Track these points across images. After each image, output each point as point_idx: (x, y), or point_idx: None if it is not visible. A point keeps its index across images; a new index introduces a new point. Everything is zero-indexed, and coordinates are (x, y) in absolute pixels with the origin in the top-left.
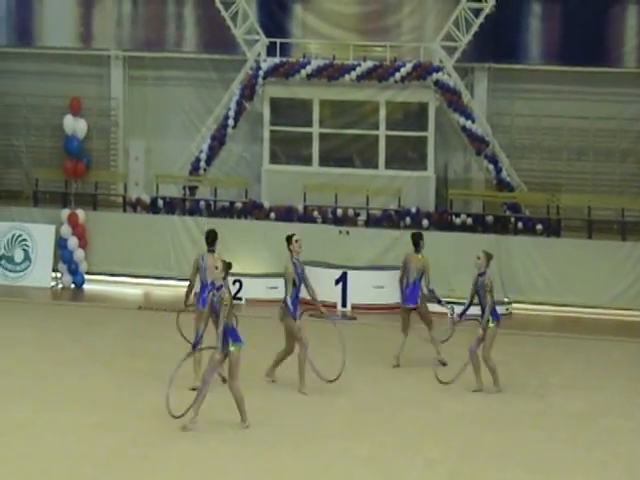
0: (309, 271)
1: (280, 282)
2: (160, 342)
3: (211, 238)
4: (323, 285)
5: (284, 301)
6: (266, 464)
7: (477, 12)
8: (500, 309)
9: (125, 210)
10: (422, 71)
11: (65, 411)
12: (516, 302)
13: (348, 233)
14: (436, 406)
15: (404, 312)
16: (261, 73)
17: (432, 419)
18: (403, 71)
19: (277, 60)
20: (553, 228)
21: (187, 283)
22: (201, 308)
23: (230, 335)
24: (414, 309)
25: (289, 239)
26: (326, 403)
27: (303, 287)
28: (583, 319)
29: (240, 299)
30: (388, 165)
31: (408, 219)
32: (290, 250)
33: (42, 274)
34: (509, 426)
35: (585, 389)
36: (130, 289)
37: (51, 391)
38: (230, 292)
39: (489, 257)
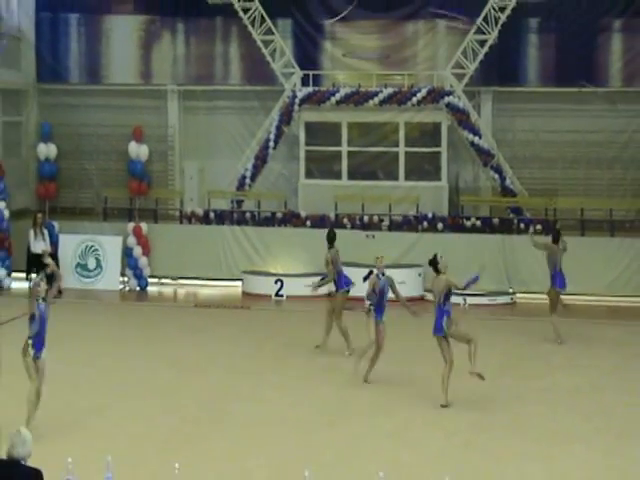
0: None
1: (316, 279)
2: (212, 334)
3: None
4: (354, 281)
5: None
6: (305, 438)
7: (482, 43)
8: (505, 298)
9: (182, 222)
10: (435, 95)
11: (133, 398)
12: (520, 292)
13: (374, 237)
14: (453, 386)
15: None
16: (297, 101)
17: (449, 398)
18: (419, 95)
19: (310, 89)
20: (550, 227)
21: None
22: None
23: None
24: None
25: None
26: (355, 386)
27: None
28: (579, 305)
29: (282, 296)
30: (407, 177)
31: (425, 223)
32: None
33: (111, 279)
34: (516, 402)
35: (583, 367)
36: (186, 290)
37: (120, 381)
38: None
39: None
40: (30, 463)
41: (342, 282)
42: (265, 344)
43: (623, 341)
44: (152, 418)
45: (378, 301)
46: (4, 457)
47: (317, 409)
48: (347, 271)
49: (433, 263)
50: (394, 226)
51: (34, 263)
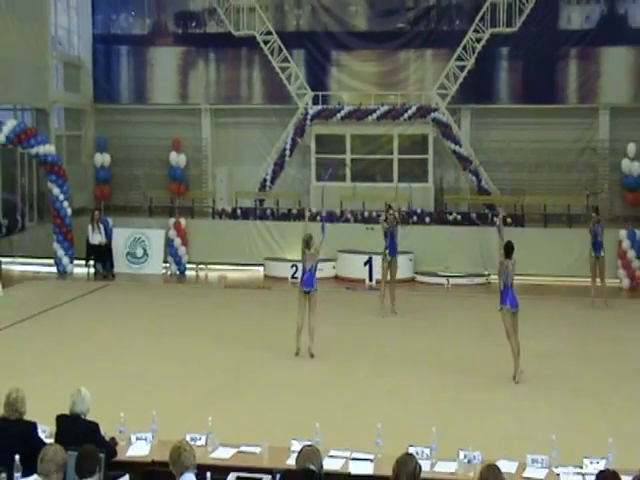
0: (345, 258)
1: (324, 265)
2: (239, 310)
3: (510, 249)
4: (356, 266)
5: None
6: (316, 397)
7: (462, 68)
8: (481, 279)
9: (214, 218)
10: (423, 112)
11: (173, 363)
12: (493, 274)
13: (372, 229)
14: (438, 351)
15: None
16: (308, 117)
17: (436, 361)
18: (410, 112)
19: (320, 107)
20: (519, 221)
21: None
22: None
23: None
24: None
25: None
26: (357, 352)
27: None
28: (543, 285)
29: (296, 278)
30: (400, 179)
31: (415, 217)
32: None
33: (156, 265)
34: (494, 364)
35: (546, 336)
36: (218, 273)
37: (161, 349)
38: None
39: None
40: (89, 417)
41: (311, 280)
42: (283, 318)
43: (580, 314)
44: (189, 380)
45: (390, 243)
46: (68, 413)
47: (326, 372)
48: (350, 257)
49: (509, 248)
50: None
51: (92, 252)
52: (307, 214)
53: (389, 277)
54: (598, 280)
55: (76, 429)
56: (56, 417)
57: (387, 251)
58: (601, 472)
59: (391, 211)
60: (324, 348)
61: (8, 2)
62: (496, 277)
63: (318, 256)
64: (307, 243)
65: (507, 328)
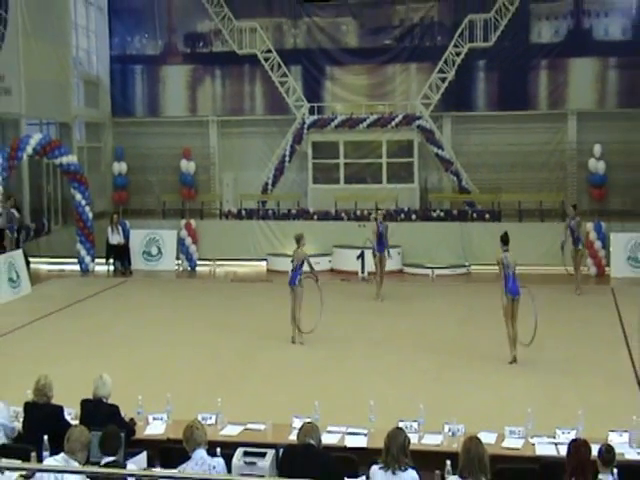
0: (340, 252)
1: (321, 259)
2: (244, 302)
3: (506, 240)
4: (349, 260)
5: None
6: (316, 378)
7: (443, 79)
8: (462, 270)
9: (221, 218)
10: (409, 119)
11: (184, 350)
12: (473, 265)
13: (364, 226)
14: (425, 335)
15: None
16: (305, 126)
17: (422, 343)
18: (397, 120)
19: (315, 117)
20: (496, 216)
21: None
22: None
23: None
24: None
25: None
26: (351, 337)
27: None
28: (518, 273)
29: None
30: (389, 181)
31: (402, 215)
32: None
33: (169, 262)
34: (474, 346)
35: (523, 318)
36: (225, 268)
37: (174, 337)
38: None
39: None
40: (110, 401)
41: (294, 279)
42: (283, 308)
43: (551, 299)
44: (199, 365)
45: (378, 240)
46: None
47: (324, 355)
48: (344, 252)
49: (506, 240)
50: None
51: (111, 252)
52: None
53: (379, 271)
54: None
55: (99, 412)
56: (80, 401)
57: (375, 250)
58: (573, 441)
59: (379, 211)
60: (321, 334)
61: (33, 27)
62: (476, 267)
63: (305, 255)
64: (297, 241)
65: (505, 313)
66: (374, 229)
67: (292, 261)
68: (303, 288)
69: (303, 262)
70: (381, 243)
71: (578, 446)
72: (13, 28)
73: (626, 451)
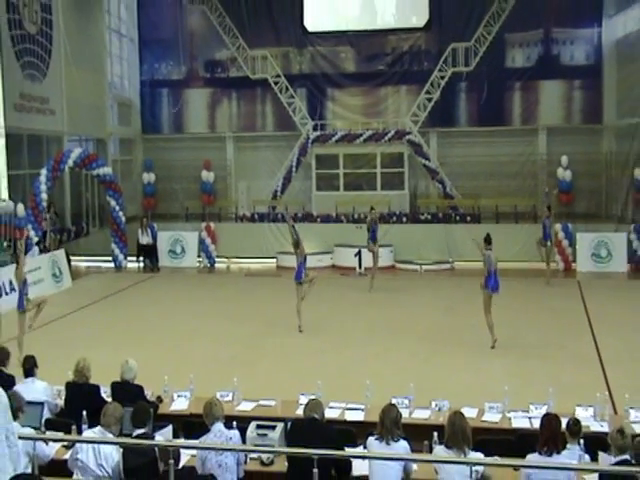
0: (340, 251)
1: (324, 256)
2: (257, 294)
3: (489, 240)
4: (348, 257)
5: None
6: (318, 360)
7: (430, 99)
8: (447, 265)
9: (236, 221)
10: (400, 135)
11: (204, 337)
12: (457, 261)
13: (361, 227)
14: (414, 322)
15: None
16: (310, 141)
17: (412, 330)
18: (389, 135)
19: (318, 133)
20: (476, 218)
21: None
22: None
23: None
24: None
25: None
26: (350, 324)
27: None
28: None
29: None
30: (382, 188)
31: (395, 218)
32: None
33: (191, 259)
34: (457, 332)
35: (501, 307)
36: (240, 265)
37: (195, 325)
38: None
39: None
40: (137, 381)
41: (299, 274)
42: (291, 300)
43: (525, 290)
44: (217, 348)
45: (372, 235)
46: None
47: (326, 340)
48: (343, 250)
49: (489, 240)
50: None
51: (141, 251)
52: (288, 220)
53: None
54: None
55: (126, 392)
56: (110, 384)
57: (370, 241)
58: (545, 415)
59: (373, 212)
60: (324, 321)
61: (74, 56)
62: (459, 263)
63: (304, 254)
64: (294, 246)
65: (485, 307)
66: (368, 226)
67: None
68: (313, 282)
69: (305, 259)
70: (374, 236)
71: (550, 419)
72: (57, 58)
73: (591, 424)
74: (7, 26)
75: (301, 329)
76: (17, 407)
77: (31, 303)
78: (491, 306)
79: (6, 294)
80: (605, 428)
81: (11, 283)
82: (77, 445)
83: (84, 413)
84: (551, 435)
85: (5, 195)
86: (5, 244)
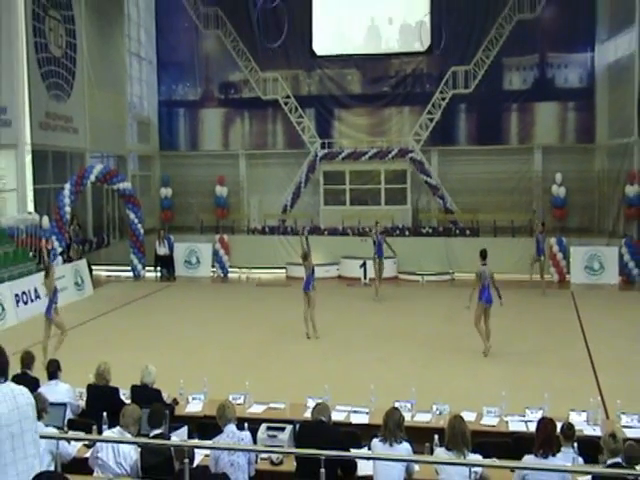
0: (346, 262)
1: (331, 267)
2: (267, 303)
3: (484, 254)
4: (354, 268)
5: None
6: (325, 365)
7: (431, 119)
8: (447, 277)
9: (248, 233)
10: (403, 153)
11: (217, 342)
12: (456, 272)
13: (366, 240)
14: (415, 330)
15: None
16: (318, 158)
17: (413, 337)
18: (393, 153)
19: (326, 151)
20: (475, 232)
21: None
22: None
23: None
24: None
25: None
26: (355, 331)
27: None
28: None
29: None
30: (386, 203)
31: (398, 231)
32: None
33: (206, 269)
34: (456, 339)
35: (496, 316)
36: (251, 275)
37: (209, 330)
38: None
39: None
40: (155, 385)
41: (308, 284)
42: (299, 308)
43: (521, 300)
44: (230, 353)
45: (377, 249)
46: (138, 384)
47: (332, 346)
48: (349, 261)
49: (484, 255)
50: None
51: (159, 261)
52: (305, 234)
53: (377, 274)
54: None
55: (144, 395)
56: (130, 387)
57: (375, 255)
58: (541, 419)
59: (378, 226)
60: (330, 328)
61: (96, 78)
62: (459, 274)
63: (312, 266)
64: (303, 258)
65: (476, 317)
66: (374, 238)
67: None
68: (316, 291)
69: (313, 271)
70: (380, 250)
71: (545, 423)
72: (80, 79)
73: (584, 428)
74: (34, 49)
75: (308, 336)
76: (41, 408)
77: (58, 315)
78: (488, 317)
79: (31, 301)
80: (598, 432)
81: (36, 291)
82: (97, 444)
83: (104, 414)
84: (547, 438)
85: (31, 208)
86: (31, 254)
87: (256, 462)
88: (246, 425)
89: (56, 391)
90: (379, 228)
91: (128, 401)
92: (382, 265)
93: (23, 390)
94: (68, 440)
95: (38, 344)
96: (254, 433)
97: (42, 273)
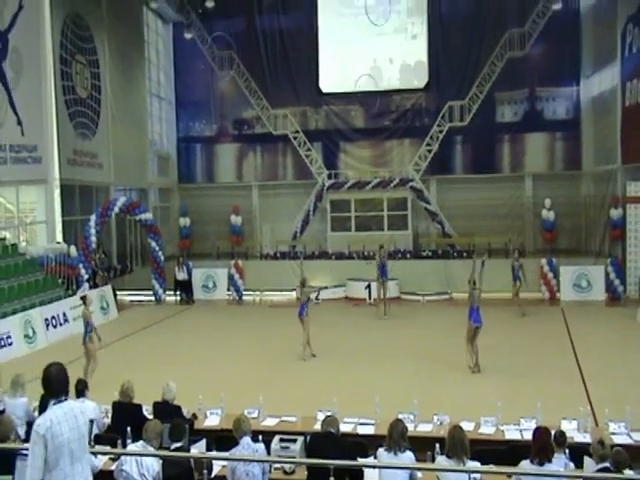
0: (352, 284)
1: (337, 289)
2: (279, 322)
3: (475, 281)
4: (359, 290)
5: None
6: (333, 379)
7: (430, 151)
8: (446, 296)
9: (261, 259)
10: (404, 182)
11: (233, 358)
12: (454, 292)
13: (370, 263)
14: (417, 345)
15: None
16: (325, 188)
17: (415, 351)
18: (394, 182)
19: (332, 181)
20: (471, 254)
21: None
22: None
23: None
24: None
25: None
26: (361, 347)
27: None
28: (487, 298)
29: (319, 299)
30: (389, 229)
31: (399, 254)
32: None
33: (222, 293)
34: (454, 353)
35: (489, 333)
36: (264, 297)
37: (225, 348)
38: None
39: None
40: (176, 402)
41: (302, 310)
42: (309, 326)
43: (514, 317)
44: (245, 370)
45: (381, 270)
46: (159, 400)
47: (340, 362)
48: (355, 283)
49: (474, 281)
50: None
51: (178, 285)
52: (301, 260)
53: (382, 294)
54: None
55: (166, 410)
56: (153, 403)
57: (380, 276)
58: (537, 428)
59: (382, 249)
60: (338, 345)
61: (119, 117)
62: (456, 294)
63: (309, 293)
64: (302, 283)
65: (467, 336)
66: (377, 261)
67: (299, 298)
68: (309, 317)
69: (309, 298)
70: (384, 272)
71: (541, 432)
72: (104, 118)
73: (575, 435)
74: (62, 91)
75: (313, 354)
76: None
77: (93, 341)
78: (476, 337)
79: (60, 325)
80: (588, 439)
81: (65, 315)
82: (122, 457)
83: (128, 429)
84: (542, 446)
85: (60, 238)
86: (60, 281)
87: (270, 472)
88: (260, 437)
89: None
90: (383, 252)
91: (150, 416)
92: (387, 285)
93: (83, 408)
94: (95, 454)
95: (68, 364)
96: (268, 445)
97: (71, 299)
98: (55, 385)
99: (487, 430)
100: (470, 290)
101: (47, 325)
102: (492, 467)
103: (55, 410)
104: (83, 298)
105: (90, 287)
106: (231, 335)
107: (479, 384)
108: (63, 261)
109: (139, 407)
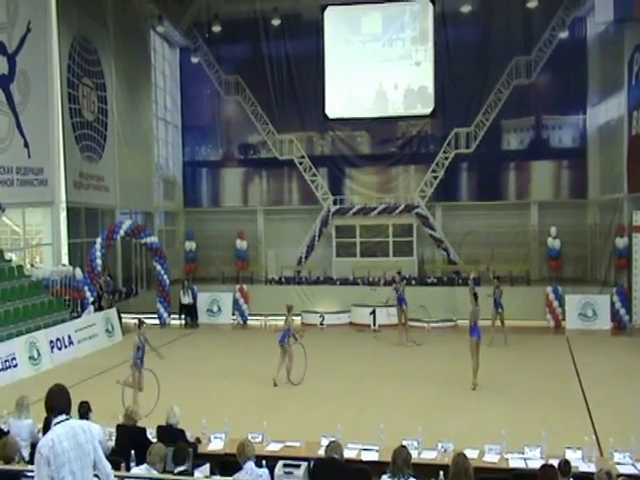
0: (357, 310)
1: (342, 315)
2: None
3: (476, 296)
4: (364, 315)
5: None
6: (337, 405)
7: (435, 177)
8: (451, 323)
9: (266, 284)
10: (409, 208)
11: (238, 381)
12: (459, 319)
13: (375, 290)
14: (421, 371)
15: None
16: (330, 213)
17: (419, 377)
18: (400, 209)
19: (338, 207)
20: (477, 282)
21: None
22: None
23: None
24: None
25: None
26: (365, 373)
27: None
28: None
29: (323, 324)
30: (394, 255)
31: (405, 281)
32: None
33: (226, 317)
34: (458, 379)
35: (497, 358)
36: (269, 322)
37: (230, 371)
38: None
39: None
40: (180, 425)
41: (284, 337)
42: (314, 350)
43: (520, 344)
44: (248, 395)
45: (398, 298)
46: (163, 424)
47: (343, 387)
48: (360, 309)
49: (476, 297)
50: (387, 283)
51: (183, 309)
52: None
53: (403, 320)
54: (499, 324)
55: (170, 434)
56: (157, 427)
57: (397, 303)
58: (543, 465)
59: (399, 277)
60: (342, 370)
61: (125, 140)
62: (461, 321)
63: (291, 324)
64: (289, 310)
65: (471, 351)
66: (393, 293)
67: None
68: (291, 346)
69: (290, 328)
70: (401, 299)
71: (546, 470)
72: (111, 142)
73: (580, 464)
74: (69, 114)
75: (275, 383)
76: None
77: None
78: (478, 351)
79: (65, 347)
80: (592, 469)
81: (70, 337)
82: None
83: (132, 452)
84: None
85: (65, 260)
86: (65, 303)
87: None
88: (264, 462)
89: None
90: (399, 279)
91: (154, 440)
92: (407, 312)
93: (84, 427)
94: (98, 477)
95: (72, 386)
96: (272, 470)
97: (76, 321)
98: (54, 401)
99: (491, 458)
100: (473, 307)
101: (52, 347)
102: None
103: (56, 429)
104: (140, 322)
105: (95, 310)
106: (235, 359)
107: (484, 412)
108: (68, 284)
109: (143, 430)
